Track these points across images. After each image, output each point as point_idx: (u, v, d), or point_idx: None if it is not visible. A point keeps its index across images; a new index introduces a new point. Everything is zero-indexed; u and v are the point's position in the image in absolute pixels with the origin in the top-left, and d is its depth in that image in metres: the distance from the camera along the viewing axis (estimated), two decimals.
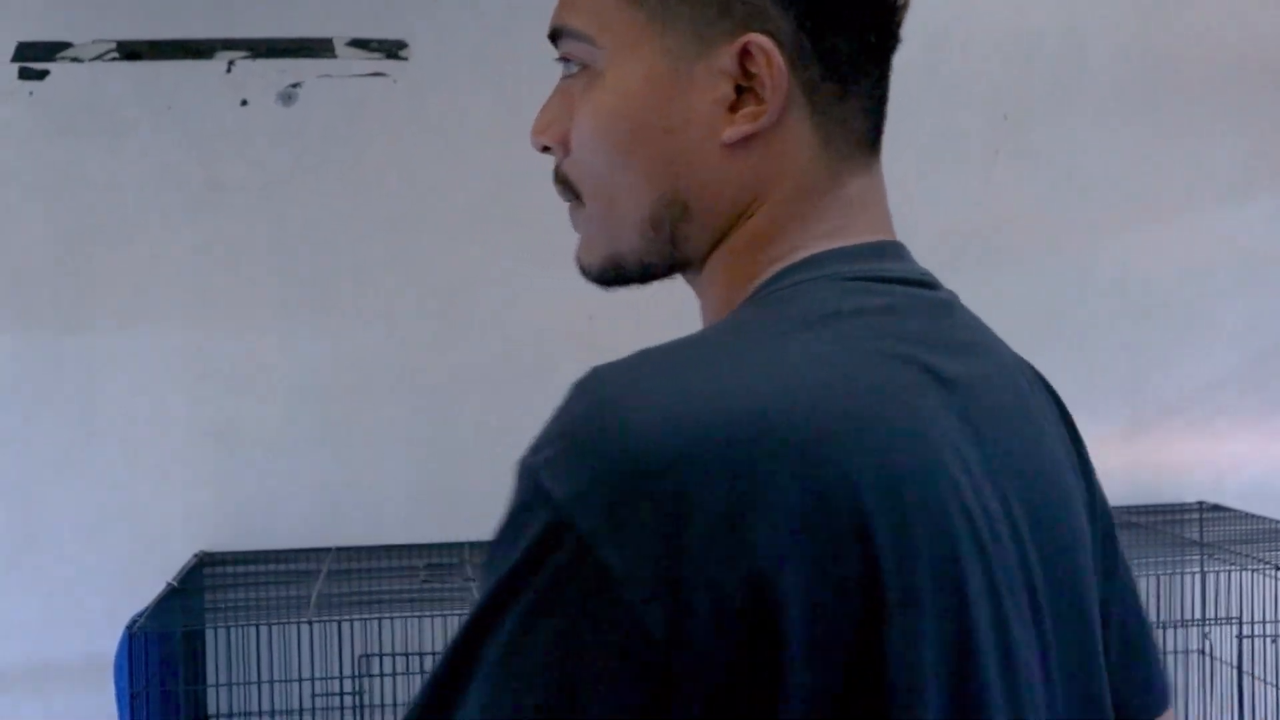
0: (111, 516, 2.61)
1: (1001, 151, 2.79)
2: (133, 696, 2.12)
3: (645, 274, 0.87)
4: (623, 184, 0.83)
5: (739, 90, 0.80)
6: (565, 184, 0.87)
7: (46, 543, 2.60)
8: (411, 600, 2.40)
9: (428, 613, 2.34)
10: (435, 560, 2.60)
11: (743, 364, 0.71)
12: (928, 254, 0.92)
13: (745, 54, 0.79)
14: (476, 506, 2.68)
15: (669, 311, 2.77)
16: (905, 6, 0.82)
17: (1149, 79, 2.84)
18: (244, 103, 2.64)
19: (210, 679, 2.46)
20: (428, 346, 2.69)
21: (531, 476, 0.67)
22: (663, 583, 0.64)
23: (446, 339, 2.69)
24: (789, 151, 0.81)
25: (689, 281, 0.88)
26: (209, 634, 2.44)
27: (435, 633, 2.36)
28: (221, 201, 2.64)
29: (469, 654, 0.66)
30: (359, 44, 2.66)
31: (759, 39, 0.78)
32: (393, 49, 2.66)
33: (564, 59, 0.86)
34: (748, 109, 0.79)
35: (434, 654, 2.36)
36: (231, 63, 2.63)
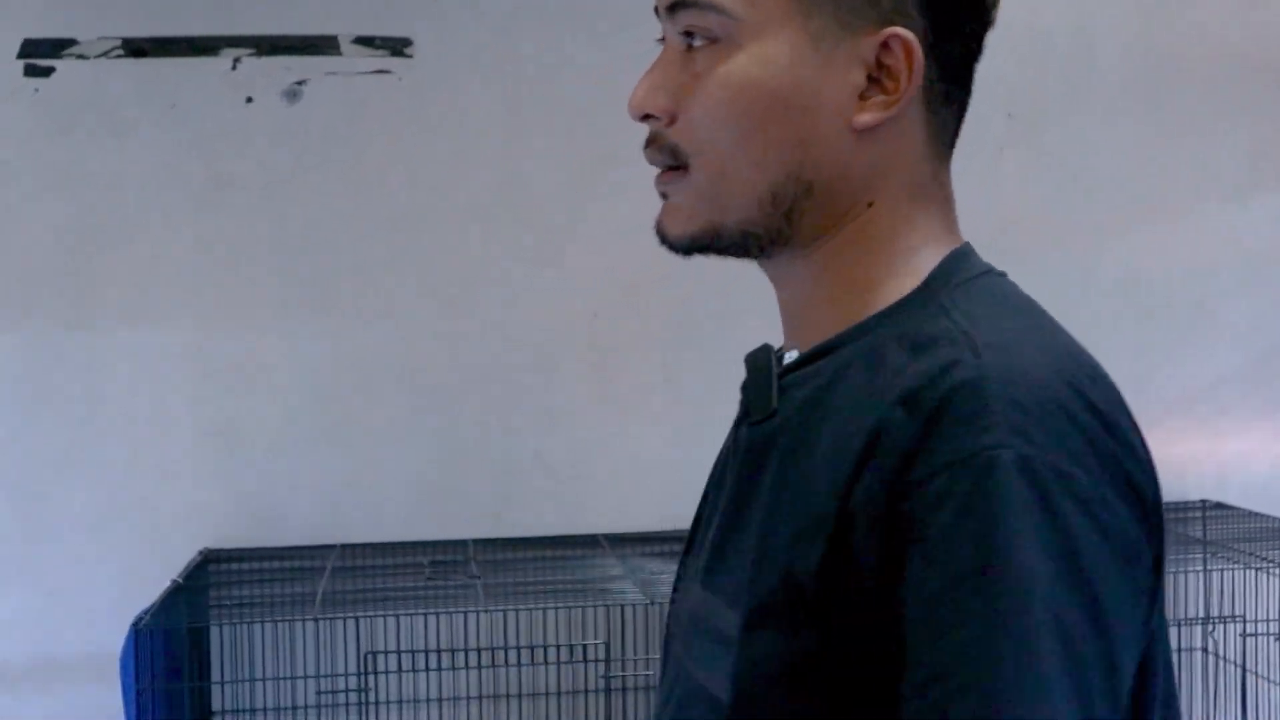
0: (116, 513, 2.61)
1: (1006, 150, 2.79)
2: (138, 693, 2.13)
3: (740, 248, 0.88)
4: (747, 157, 0.85)
5: (868, 79, 0.84)
6: (672, 151, 0.87)
7: (52, 540, 2.60)
8: (415, 597, 2.41)
9: (432, 610, 2.34)
10: (439, 557, 2.60)
11: (1061, 346, 0.80)
12: None
13: (885, 46, 0.83)
14: (480, 504, 2.71)
15: (669, 310, 2.78)
16: (994, 22, 0.89)
17: (1154, 79, 2.84)
18: (249, 100, 2.64)
19: (215, 676, 2.47)
20: (431, 344, 2.69)
21: (1032, 464, 0.71)
22: (1144, 520, 0.75)
23: (449, 337, 2.69)
24: (905, 145, 0.86)
25: (776, 262, 0.89)
26: (214, 631, 2.44)
27: (439, 630, 2.37)
28: (226, 199, 2.64)
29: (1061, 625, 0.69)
30: (364, 42, 2.66)
31: (905, 33, 0.82)
32: (398, 47, 2.67)
33: (687, 32, 0.86)
34: (877, 98, 0.84)
35: (438, 651, 2.36)
36: (236, 60, 2.63)
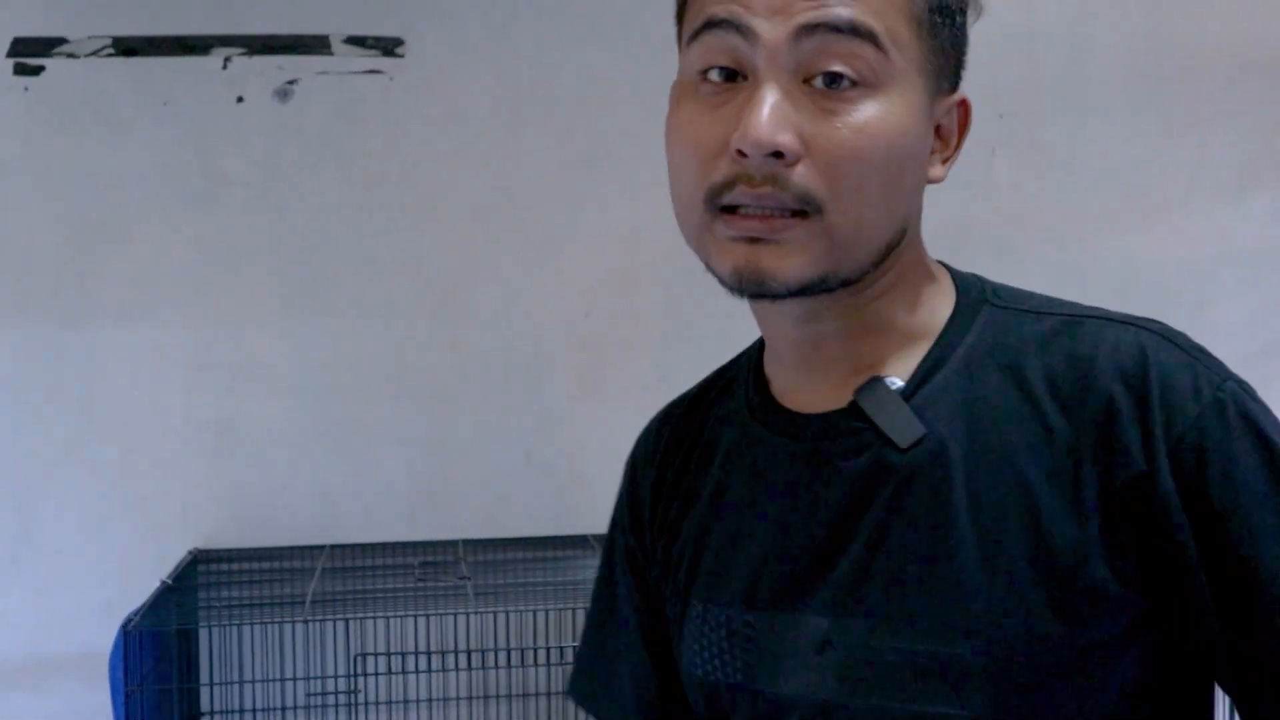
0: (108, 512, 2.60)
1: (999, 150, 2.78)
2: (127, 695, 2.12)
3: (825, 289, 0.87)
4: (886, 206, 0.85)
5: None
6: (802, 197, 0.82)
7: (43, 538, 2.59)
8: (406, 598, 2.40)
9: (421, 611, 2.33)
10: (429, 558, 2.59)
11: None
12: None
13: (949, 110, 0.89)
14: (472, 504, 2.70)
15: (662, 310, 2.77)
16: None
17: (1148, 78, 2.84)
18: (240, 99, 2.63)
19: (204, 677, 2.46)
20: (425, 343, 2.68)
21: (1248, 388, 0.85)
22: None
23: (444, 336, 2.69)
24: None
25: (827, 299, 0.88)
26: (203, 632, 2.43)
27: (429, 632, 2.36)
28: (218, 198, 2.63)
29: None
30: (355, 41, 2.65)
31: (968, 99, 0.90)
32: (389, 47, 2.66)
33: (832, 71, 0.81)
34: (938, 155, 0.89)
35: (428, 653, 2.35)
36: (228, 59, 2.62)
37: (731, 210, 0.83)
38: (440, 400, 2.69)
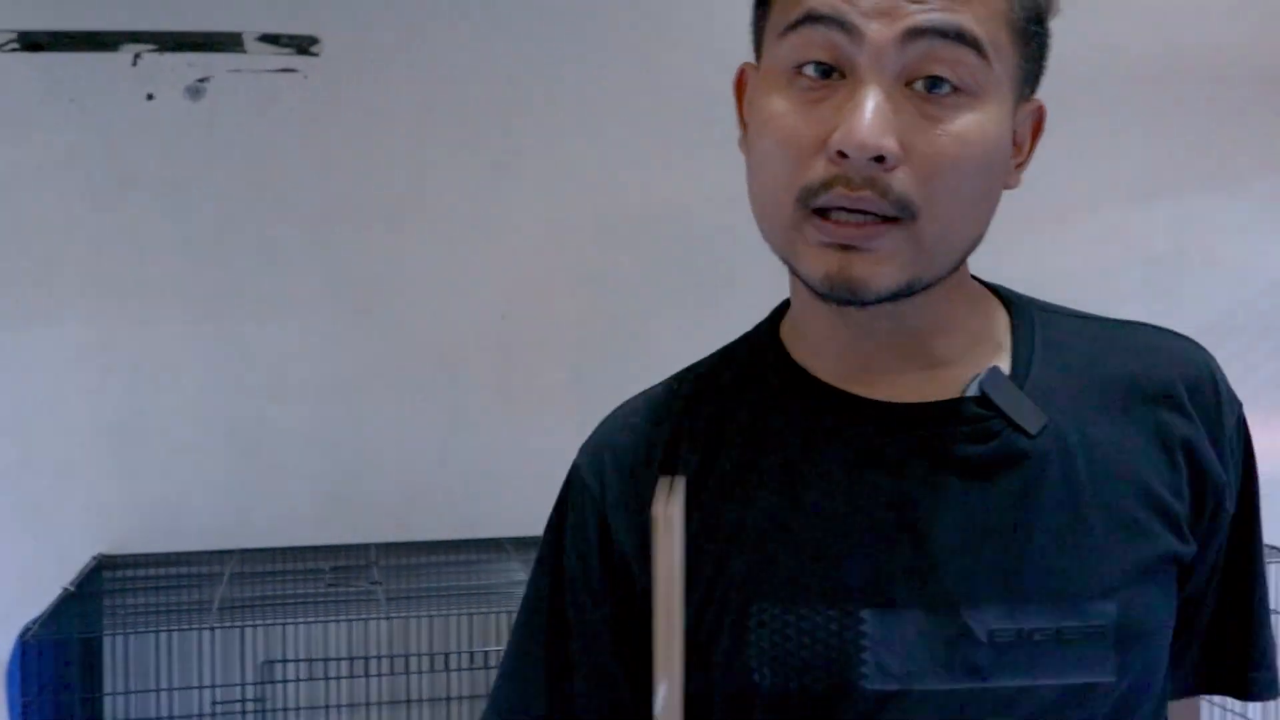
0: (8, 517, 2.54)
1: None
2: (25, 705, 2.07)
3: (907, 295, 0.85)
4: (975, 213, 0.85)
5: None
6: (899, 203, 0.80)
7: None
8: (316, 604, 2.37)
9: (332, 617, 2.31)
10: (340, 563, 2.56)
11: None
12: None
13: (1026, 116, 0.89)
14: (384, 508, 2.67)
15: (578, 312, 2.76)
16: None
17: (1059, 87, 2.88)
18: (150, 97, 2.58)
19: (108, 687, 2.40)
20: (337, 344, 2.66)
21: None
22: None
23: (356, 337, 2.66)
24: None
25: (908, 301, 0.86)
26: (107, 641, 2.38)
27: (340, 638, 2.33)
28: (127, 196, 2.58)
29: None
30: (269, 39, 2.62)
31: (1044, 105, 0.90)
32: (304, 45, 2.63)
33: (935, 76, 0.80)
34: (1012, 161, 0.89)
35: (338, 659, 2.32)
36: (138, 56, 2.58)
37: (823, 213, 0.81)
38: (352, 402, 2.66)
